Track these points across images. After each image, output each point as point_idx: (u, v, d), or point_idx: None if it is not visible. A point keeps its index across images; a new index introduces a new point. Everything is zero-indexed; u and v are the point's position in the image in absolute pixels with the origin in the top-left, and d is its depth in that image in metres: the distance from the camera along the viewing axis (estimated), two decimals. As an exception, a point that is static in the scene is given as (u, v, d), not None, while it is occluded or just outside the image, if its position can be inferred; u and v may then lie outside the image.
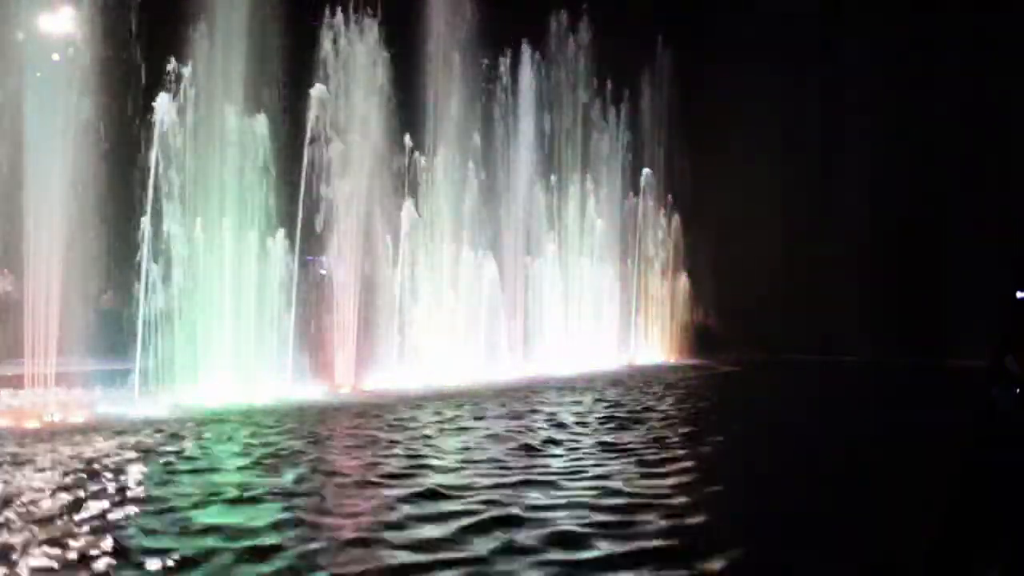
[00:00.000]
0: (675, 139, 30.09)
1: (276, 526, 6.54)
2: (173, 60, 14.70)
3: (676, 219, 29.87)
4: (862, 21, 30.20)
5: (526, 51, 23.96)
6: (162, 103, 14.23)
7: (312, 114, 16.97)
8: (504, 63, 23.30)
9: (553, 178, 24.91)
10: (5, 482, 7.86)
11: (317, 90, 17.08)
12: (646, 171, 28.55)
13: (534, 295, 23.90)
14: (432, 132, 20.77)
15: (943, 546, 6.62)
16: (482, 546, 6.06)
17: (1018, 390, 15.66)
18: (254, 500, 7.42)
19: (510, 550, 5.98)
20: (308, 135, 16.95)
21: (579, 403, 15.62)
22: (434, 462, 9.36)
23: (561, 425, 12.45)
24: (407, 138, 19.45)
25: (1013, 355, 16.08)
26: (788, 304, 29.40)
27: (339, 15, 18.14)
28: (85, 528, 6.42)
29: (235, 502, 7.35)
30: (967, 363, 21.39)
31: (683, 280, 29.93)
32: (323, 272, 17.97)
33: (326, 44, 17.93)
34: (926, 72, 29.16)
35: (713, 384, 21.50)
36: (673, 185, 30.10)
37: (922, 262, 29.02)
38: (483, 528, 6.52)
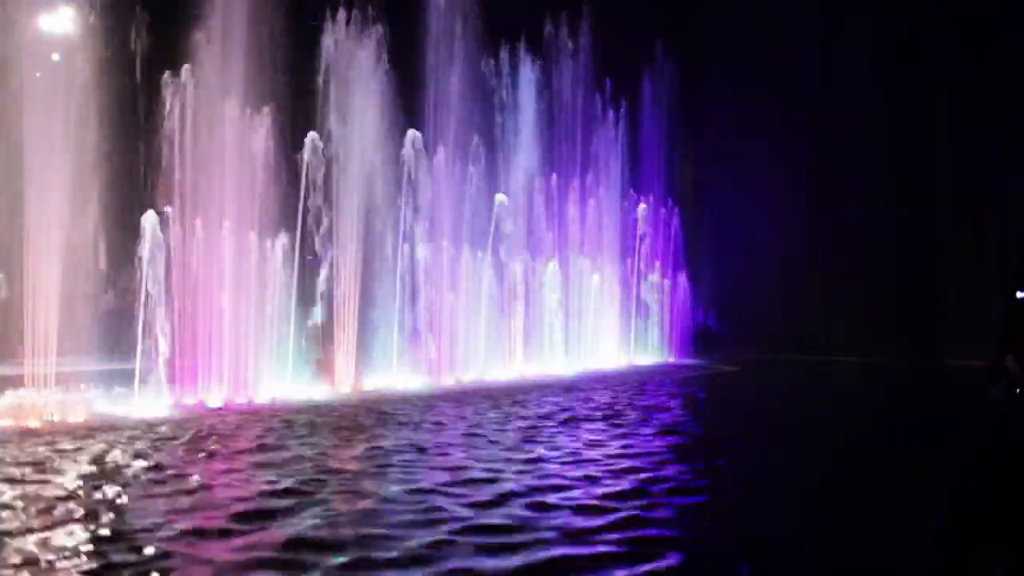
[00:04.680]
0: (675, 138, 30.02)
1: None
2: (175, 60, 14.70)
3: (676, 219, 29.81)
4: (862, 17, 30.17)
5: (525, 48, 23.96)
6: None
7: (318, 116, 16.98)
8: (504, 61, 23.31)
9: (553, 177, 24.87)
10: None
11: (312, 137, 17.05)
12: (643, 205, 28.39)
13: (534, 295, 23.86)
14: (431, 132, 20.71)
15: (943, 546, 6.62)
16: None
17: (1018, 390, 15.68)
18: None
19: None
20: (310, 134, 16.93)
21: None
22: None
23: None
24: (406, 137, 19.42)
25: (1013, 355, 16.10)
26: (788, 304, 29.34)
27: (340, 14, 18.15)
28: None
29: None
30: (967, 363, 21.40)
31: (683, 280, 29.85)
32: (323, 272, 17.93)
33: (327, 43, 17.93)
34: (927, 70, 29.13)
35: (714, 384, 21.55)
36: (673, 185, 30.03)
37: (922, 262, 28.99)
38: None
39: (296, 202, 16.75)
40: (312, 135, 17.04)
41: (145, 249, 13.81)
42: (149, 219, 13.95)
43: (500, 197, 21.30)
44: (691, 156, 31.21)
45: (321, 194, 17.07)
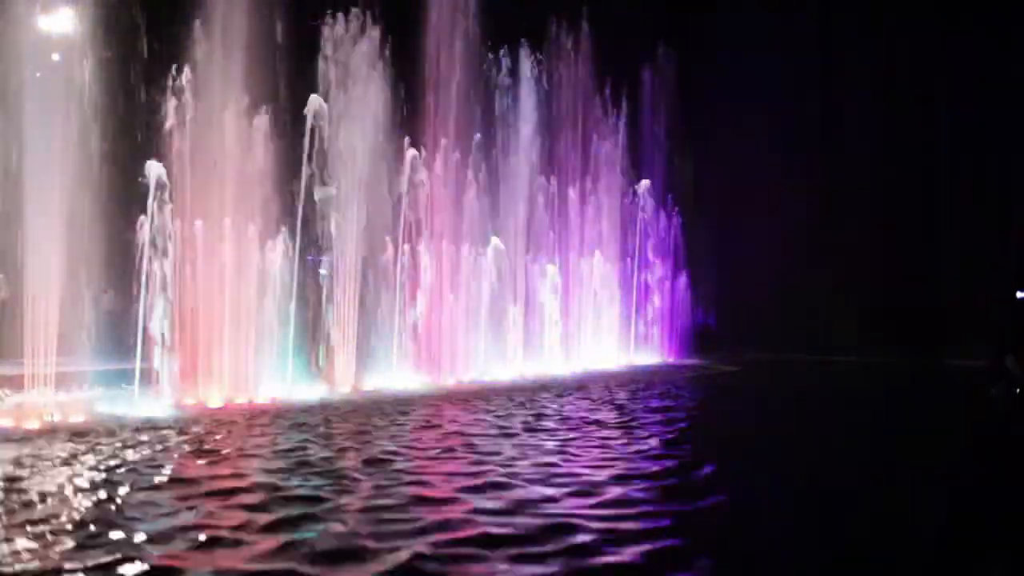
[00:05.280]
0: (675, 138, 30.00)
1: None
2: (175, 61, 14.68)
3: (676, 219, 29.83)
4: (862, 19, 30.20)
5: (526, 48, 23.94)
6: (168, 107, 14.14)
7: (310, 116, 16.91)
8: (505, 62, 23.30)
9: (554, 177, 24.87)
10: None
11: (314, 100, 16.97)
12: (645, 182, 28.46)
13: (534, 295, 23.87)
14: (432, 133, 20.71)
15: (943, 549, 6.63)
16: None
17: (1018, 390, 15.70)
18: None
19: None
20: (308, 134, 16.89)
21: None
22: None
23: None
24: (406, 157, 19.38)
25: (1013, 355, 16.12)
26: (788, 304, 29.34)
27: (340, 15, 18.12)
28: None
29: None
30: (967, 363, 21.40)
31: (683, 280, 29.86)
32: (323, 272, 17.93)
33: (326, 43, 17.90)
34: (927, 70, 29.14)
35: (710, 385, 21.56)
36: (673, 185, 30.02)
37: (922, 262, 29.00)
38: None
39: (296, 200, 16.72)
40: (315, 97, 16.97)
41: (144, 249, 13.78)
42: (154, 169, 13.90)
43: (495, 241, 21.20)
44: (691, 156, 31.20)
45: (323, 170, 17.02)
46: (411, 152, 19.41)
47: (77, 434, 10.59)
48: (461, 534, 6.49)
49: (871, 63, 29.97)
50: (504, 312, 22.17)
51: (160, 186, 13.86)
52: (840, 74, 30.88)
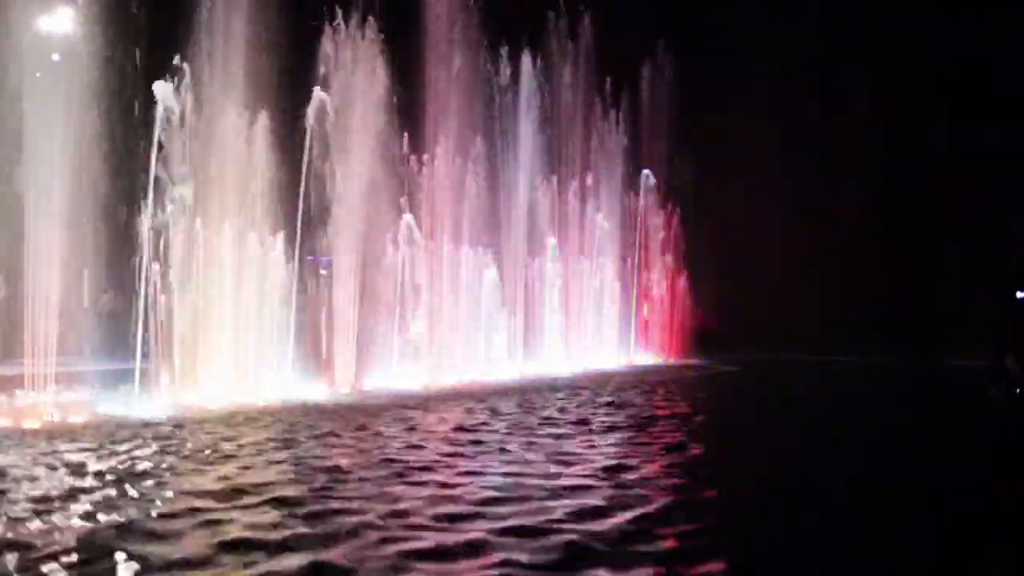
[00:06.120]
0: (675, 138, 30.02)
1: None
2: (176, 59, 14.69)
3: (676, 219, 29.84)
4: (862, 19, 30.23)
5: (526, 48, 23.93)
6: (161, 90, 14.15)
7: (312, 113, 16.91)
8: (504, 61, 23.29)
9: (553, 177, 24.88)
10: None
11: (318, 94, 17.00)
12: (646, 172, 28.54)
13: (534, 295, 23.87)
14: (431, 132, 20.71)
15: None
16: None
17: (1018, 390, 15.72)
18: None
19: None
20: (308, 134, 16.88)
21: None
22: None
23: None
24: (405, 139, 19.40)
25: (1013, 355, 16.14)
26: (788, 304, 29.32)
27: (340, 15, 18.10)
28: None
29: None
30: (967, 363, 21.40)
31: (683, 280, 29.87)
32: (323, 272, 17.93)
33: (326, 43, 17.87)
34: (926, 69, 29.15)
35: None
36: (673, 184, 30.03)
37: (922, 262, 29.01)
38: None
39: (296, 200, 16.72)
40: (318, 90, 16.96)
41: (144, 249, 13.79)
42: (160, 89, 13.88)
43: (491, 274, 21.42)
44: (691, 156, 31.22)
45: (322, 180, 17.02)
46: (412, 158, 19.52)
47: (76, 435, 10.57)
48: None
49: (871, 63, 29.97)
50: (504, 313, 22.18)
51: (168, 110, 13.89)
52: (840, 74, 30.88)
